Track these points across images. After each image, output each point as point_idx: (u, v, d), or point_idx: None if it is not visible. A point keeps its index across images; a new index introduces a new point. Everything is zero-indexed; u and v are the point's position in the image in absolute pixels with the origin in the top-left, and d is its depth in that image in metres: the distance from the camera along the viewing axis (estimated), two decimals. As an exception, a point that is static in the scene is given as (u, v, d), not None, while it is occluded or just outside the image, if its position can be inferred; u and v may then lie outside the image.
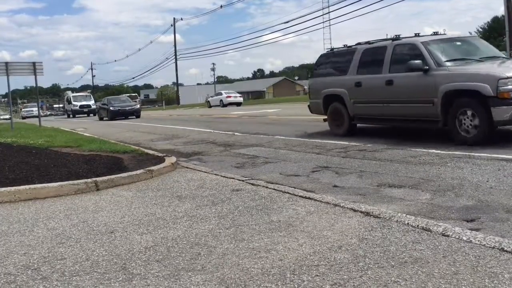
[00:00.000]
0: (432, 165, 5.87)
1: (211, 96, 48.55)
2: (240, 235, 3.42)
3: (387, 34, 9.73)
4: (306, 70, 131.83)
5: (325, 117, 10.38)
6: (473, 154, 6.29)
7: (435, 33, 9.01)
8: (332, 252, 2.95)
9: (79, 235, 3.67)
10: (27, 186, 5.24)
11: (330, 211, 3.93)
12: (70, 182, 5.47)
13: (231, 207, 4.31)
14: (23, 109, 61.75)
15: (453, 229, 3.21)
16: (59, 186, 5.33)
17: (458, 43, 8.88)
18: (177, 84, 67.85)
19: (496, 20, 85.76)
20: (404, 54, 8.38)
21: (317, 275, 2.60)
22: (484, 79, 6.82)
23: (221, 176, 5.99)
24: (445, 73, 7.49)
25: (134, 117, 28.86)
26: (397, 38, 8.90)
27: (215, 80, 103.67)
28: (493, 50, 8.87)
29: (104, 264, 2.98)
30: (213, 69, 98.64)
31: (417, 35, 8.83)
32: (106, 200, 4.97)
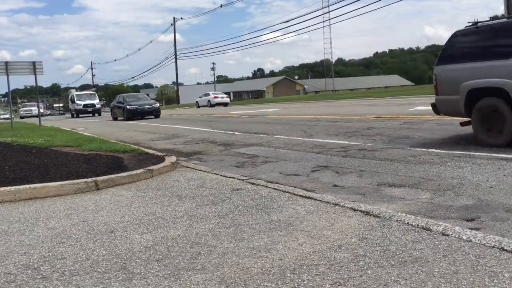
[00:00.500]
0: (432, 164, 5.87)
1: (200, 97, 50.06)
2: (240, 235, 3.43)
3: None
4: (306, 70, 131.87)
5: (466, 119, 7.45)
6: (473, 153, 6.29)
7: None
8: (332, 252, 2.95)
9: (79, 235, 3.68)
10: (27, 186, 5.25)
11: (330, 211, 3.93)
12: (70, 181, 5.47)
13: (231, 207, 4.31)
14: (21, 109, 59.46)
15: (453, 228, 3.22)
16: (59, 185, 5.33)
17: None
18: (177, 83, 67.87)
19: (496, 20, 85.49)
20: None
21: (317, 275, 2.60)
22: None
23: (221, 175, 5.99)
24: None
25: (152, 117, 25.31)
26: None
27: (215, 79, 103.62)
28: None
29: (104, 264, 2.98)
30: (213, 69, 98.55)
31: None
32: (106, 199, 4.97)
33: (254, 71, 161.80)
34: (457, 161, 5.92)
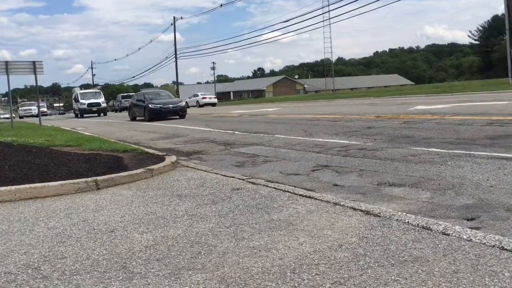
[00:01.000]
0: (432, 163, 5.87)
1: (189, 97, 51.78)
2: (240, 234, 3.43)
3: None
4: (306, 69, 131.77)
5: None
6: (473, 152, 6.29)
7: None
8: (332, 251, 2.95)
9: (80, 234, 3.68)
10: (27, 185, 5.25)
11: (330, 210, 3.93)
12: (71, 181, 5.47)
13: (231, 206, 4.31)
14: (20, 108, 56.76)
15: (453, 227, 3.22)
16: (59, 185, 5.33)
17: None
18: (177, 83, 67.76)
19: (496, 19, 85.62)
20: None
21: (317, 274, 2.60)
22: None
23: (221, 175, 6.00)
24: None
25: (177, 117, 22.20)
26: None
27: (215, 79, 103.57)
28: None
29: (105, 263, 2.98)
30: (213, 68, 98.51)
31: None
32: (107, 199, 4.97)
33: (254, 70, 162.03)
34: (458, 160, 5.92)
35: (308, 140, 9.24)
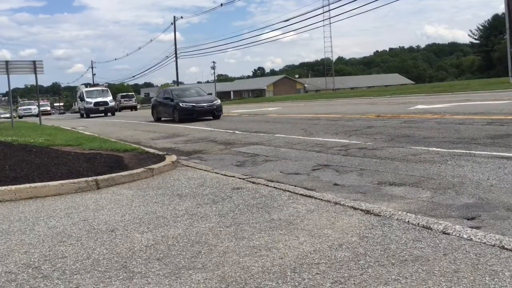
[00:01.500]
0: (433, 163, 5.87)
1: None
2: (240, 234, 3.43)
3: None
4: (306, 68, 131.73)
5: None
6: (473, 152, 6.29)
7: None
8: (333, 250, 2.95)
9: (80, 234, 3.68)
10: (27, 185, 5.25)
11: (330, 209, 3.93)
12: (71, 180, 5.47)
13: (232, 206, 4.31)
14: (19, 107, 54.45)
15: (454, 227, 3.22)
16: (59, 184, 5.33)
17: None
18: (177, 82, 67.74)
19: (496, 18, 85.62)
20: None
21: (318, 273, 2.60)
22: None
23: (222, 174, 6.00)
24: None
25: (211, 118, 18.64)
26: None
27: (216, 78, 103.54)
28: None
29: (105, 263, 2.99)
30: (213, 68, 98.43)
31: None
32: (107, 198, 4.97)
33: (255, 69, 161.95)
34: (458, 159, 5.92)
35: (308, 140, 9.23)
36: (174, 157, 7.22)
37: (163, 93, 21.53)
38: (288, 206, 4.14)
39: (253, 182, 5.32)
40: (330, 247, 3.02)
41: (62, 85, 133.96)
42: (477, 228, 3.30)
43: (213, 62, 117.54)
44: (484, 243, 2.88)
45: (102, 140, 10.78)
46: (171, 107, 19.36)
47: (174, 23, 61.72)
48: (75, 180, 5.48)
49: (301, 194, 4.54)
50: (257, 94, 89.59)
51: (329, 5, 48.55)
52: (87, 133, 14.74)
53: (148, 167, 6.32)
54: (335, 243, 3.09)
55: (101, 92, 35.72)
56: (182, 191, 5.14)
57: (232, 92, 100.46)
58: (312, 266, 2.70)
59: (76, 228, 3.86)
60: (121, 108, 47.21)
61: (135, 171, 6.08)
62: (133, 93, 59.60)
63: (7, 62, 19.46)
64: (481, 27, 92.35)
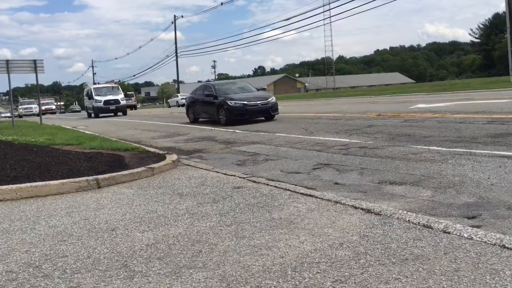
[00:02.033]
0: (433, 162, 5.87)
1: (170, 98, 56.89)
2: (241, 233, 3.43)
3: None
4: (307, 68, 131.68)
5: None
6: (474, 151, 6.29)
7: None
8: (333, 249, 2.95)
9: (81, 233, 3.68)
10: (28, 184, 5.25)
11: (331, 209, 3.93)
12: (72, 179, 5.48)
13: (232, 205, 4.31)
14: (20, 106, 52.28)
15: (454, 226, 3.22)
16: (60, 183, 5.33)
17: None
18: (177, 81, 67.77)
19: (497, 17, 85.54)
20: None
21: (318, 272, 2.60)
22: None
23: (222, 173, 6.00)
24: None
25: (263, 119, 15.31)
26: None
27: (216, 77, 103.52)
28: None
29: (106, 262, 2.99)
30: (214, 67, 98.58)
31: None
32: (108, 197, 4.98)
33: (255, 69, 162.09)
34: (458, 158, 5.92)
35: (309, 139, 9.23)
36: (174, 156, 7.22)
37: (203, 89, 17.37)
38: (288, 205, 4.14)
39: (254, 181, 5.32)
40: (330, 246, 3.02)
41: (63, 84, 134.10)
42: (478, 227, 3.30)
43: (214, 61, 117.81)
44: (485, 242, 2.88)
45: (103, 139, 10.78)
46: (215, 106, 15.58)
47: (174, 22, 61.73)
48: (76, 179, 5.49)
49: (301, 193, 4.55)
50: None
51: (329, 4, 48.55)
52: (88, 132, 14.75)
53: (148, 166, 6.32)
54: (335, 242, 3.09)
55: (111, 89, 31.63)
56: (183, 190, 5.15)
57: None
58: (313, 265, 2.71)
59: (77, 227, 3.86)
60: None
61: (135, 170, 6.08)
62: (132, 93, 59.59)
63: (7, 61, 19.49)
64: (481, 26, 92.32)
